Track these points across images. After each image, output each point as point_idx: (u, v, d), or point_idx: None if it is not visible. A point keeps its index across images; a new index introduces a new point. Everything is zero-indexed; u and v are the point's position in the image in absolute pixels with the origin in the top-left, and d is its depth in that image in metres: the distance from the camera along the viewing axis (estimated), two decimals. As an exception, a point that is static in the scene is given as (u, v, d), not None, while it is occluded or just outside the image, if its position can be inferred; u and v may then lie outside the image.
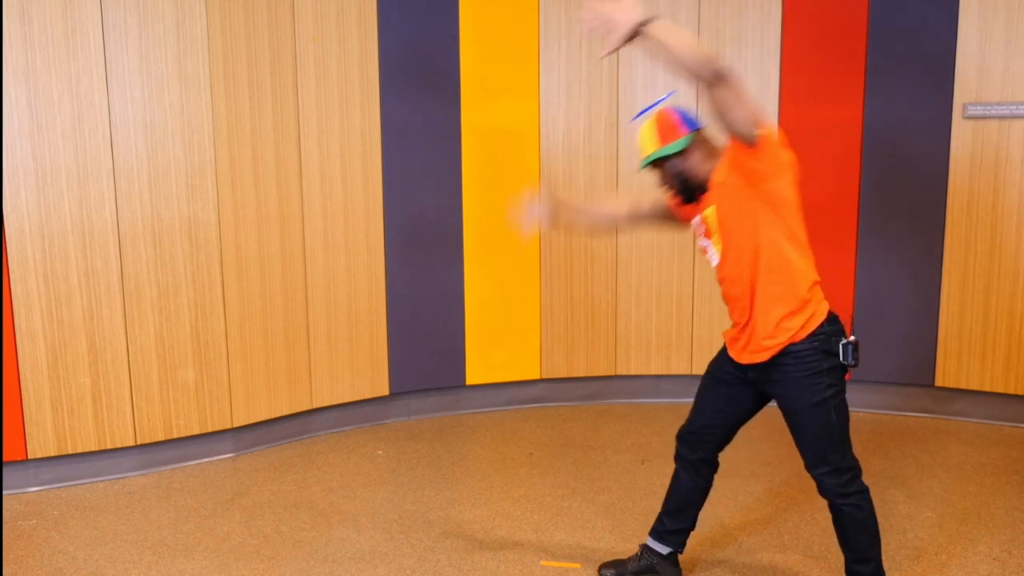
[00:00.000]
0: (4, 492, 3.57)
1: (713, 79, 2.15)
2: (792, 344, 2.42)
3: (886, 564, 2.75)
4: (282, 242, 4.00)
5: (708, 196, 2.46)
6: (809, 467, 2.51)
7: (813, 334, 2.42)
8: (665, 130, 2.47)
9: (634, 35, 2.11)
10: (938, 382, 4.37)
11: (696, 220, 2.55)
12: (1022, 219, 4.12)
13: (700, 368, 3.03)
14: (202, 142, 3.71)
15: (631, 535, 3.17)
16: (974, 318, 4.25)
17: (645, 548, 2.86)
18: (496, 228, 4.49)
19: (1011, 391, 4.24)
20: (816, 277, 2.46)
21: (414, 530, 3.26)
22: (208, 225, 3.77)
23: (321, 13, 3.99)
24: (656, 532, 2.85)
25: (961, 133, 4.15)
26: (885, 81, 4.25)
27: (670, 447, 2.89)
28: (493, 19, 4.35)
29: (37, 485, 3.64)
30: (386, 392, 4.42)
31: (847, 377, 2.52)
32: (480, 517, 3.36)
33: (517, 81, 4.42)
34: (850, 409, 2.50)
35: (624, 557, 2.93)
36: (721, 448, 2.76)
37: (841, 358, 2.43)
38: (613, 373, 4.68)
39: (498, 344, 4.56)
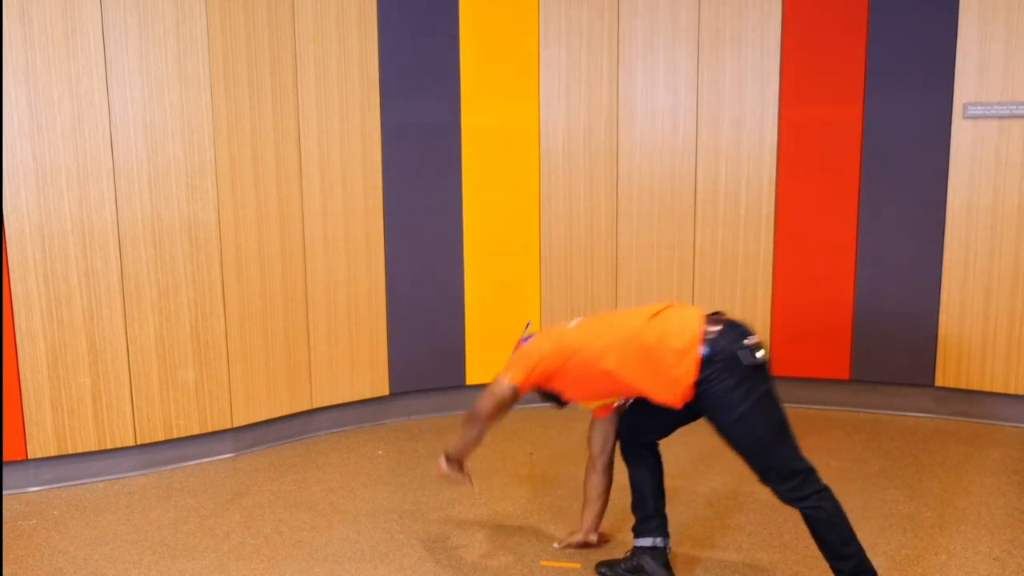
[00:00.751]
0: (4, 492, 3.57)
1: (488, 416, 2.70)
2: (696, 380, 2.46)
3: (886, 564, 2.75)
4: (282, 242, 4.00)
5: (571, 399, 2.82)
6: (759, 480, 2.51)
7: (705, 361, 2.44)
8: None
9: (457, 465, 2.83)
10: (938, 382, 4.36)
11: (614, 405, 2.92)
12: (1022, 219, 4.12)
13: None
14: (202, 142, 3.71)
15: (631, 535, 3.16)
16: (974, 318, 4.25)
17: (634, 548, 2.88)
18: (496, 228, 4.50)
19: (1011, 391, 4.23)
20: (642, 319, 2.59)
21: (414, 530, 3.26)
22: (208, 225, 3.77)
23: (321, 13, 3.99)
24: (634, 529, 2.89)
25: (961, 133, 4.16)
26: (885, 81, 4.25)
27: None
28: (493, 19, 4.35)
29: (37, 485, 3.64)
30: (386, 392, 4.41)
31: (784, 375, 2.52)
32: (480, 517, 3.36)
33: (517, 81, 4.42)
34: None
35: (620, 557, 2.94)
36: (659, 439, 2.85)
37: (745, 362, 2.43)
38: (613, 373, 4.67)
39: (498, 344, 4.54)
